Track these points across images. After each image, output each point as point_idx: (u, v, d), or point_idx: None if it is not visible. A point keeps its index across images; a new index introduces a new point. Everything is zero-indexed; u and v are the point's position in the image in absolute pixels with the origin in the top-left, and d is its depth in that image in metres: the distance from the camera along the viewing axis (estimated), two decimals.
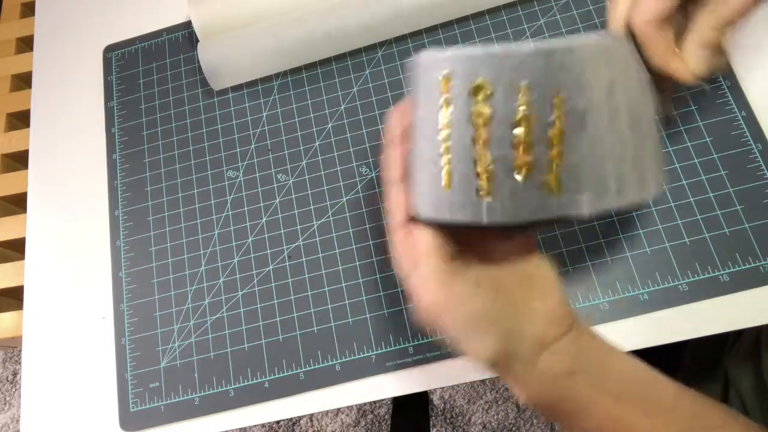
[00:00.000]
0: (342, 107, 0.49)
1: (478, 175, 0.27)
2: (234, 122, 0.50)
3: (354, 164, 0.47)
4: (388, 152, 0.31)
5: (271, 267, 0.45)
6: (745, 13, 0.30)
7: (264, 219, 0.46)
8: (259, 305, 0.44)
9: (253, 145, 0.49)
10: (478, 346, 0.28)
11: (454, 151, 0.27)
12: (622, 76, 0.28)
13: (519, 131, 0.26)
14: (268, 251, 0.45)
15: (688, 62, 0.31)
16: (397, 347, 0.41)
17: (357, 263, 0.43)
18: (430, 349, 0.41)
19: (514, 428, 1.01)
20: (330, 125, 0.48)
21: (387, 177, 0.31)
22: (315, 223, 0.45)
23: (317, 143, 0.48)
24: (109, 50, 0.55)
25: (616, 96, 0.28)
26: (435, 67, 0.27)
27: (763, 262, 0.39)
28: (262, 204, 0.47)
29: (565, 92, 0.26)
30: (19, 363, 1.16)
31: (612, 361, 0.31)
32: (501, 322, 0.29)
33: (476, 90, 0.26)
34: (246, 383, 0.42)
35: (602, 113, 0.27)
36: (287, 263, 0.45)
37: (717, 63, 0.32)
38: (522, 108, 0.26)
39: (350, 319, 0.42)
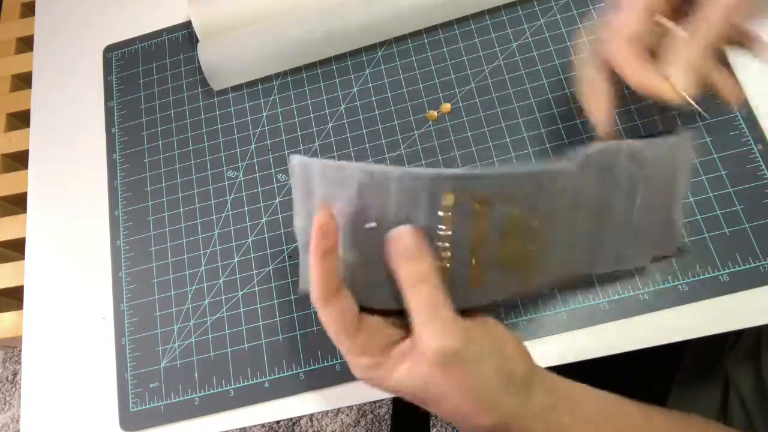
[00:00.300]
0: (342, 107, 0.49)
1: (471, 271, 0.31)
2: (234, 122, 0.50)
3: None
4: (324, 261, 0.29)
5: (271, 267, 0.45)
6: (721, 38, 0.29)
7: (264, 219, 0.46)
8: (259, 305, 0.44)
9: (253, 145, 0.49)
10: (498, 401, 0.28)
11: (456, 255, 0.30)
12: (594, 191, 0.34)
13: (506, 234, 0.31)
14: (268, 251, 0.45)
15: (673, 82, 0.30)
16: None
17: None
18: None
19: None
20: (330, 125, 0.48)
21: (326, 286, 0.29)
22: None
23: (317, 143, 0.48)
24: (109, 50, 0.55)
25: (579, 206, 0.34)
26: (429, 185, 0.29)
27: (763, 262, 0.39)
28: (262, 204, 0.47)
29: (540, 205, 0.32)
30: (19, 363, 1.16)
31: (576, 389, 0.32)
32: (507, 373, 0.29)
33: (482, 204, 0.30)
34: (246, 383, 0.42)
35: (566, 217, 0.34)
36: (287, 263, 0.45)
37: (720, 87, 0.32)
38: (513, 214, 0.31)
39: None
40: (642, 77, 0.30)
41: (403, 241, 0.29)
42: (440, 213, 0.29)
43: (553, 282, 0.36)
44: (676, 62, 0.30)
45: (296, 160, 0.31)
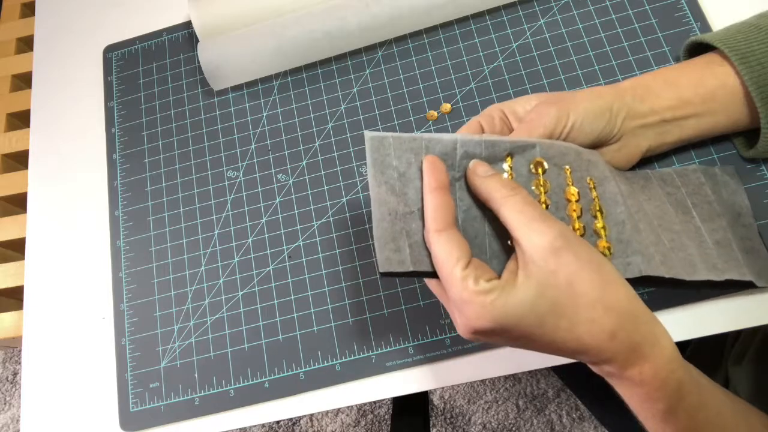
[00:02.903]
0: (342, 107, 0.49)
1: None
2: (234, 122, 0.50)
3: (354, 164, 0.46)
4: (438, 193, 0.31)
5: (271, 267, 0.45)
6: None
7: (264, 219, 0.46)
8: (259, 305, 0.44)
9: (253, 145, 0.49)
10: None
11: None
12: (641, 195, 0.37)
13: (570, 200, 0.33)
14: (268, 251, 0.45)
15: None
16: (397, 347, 0.41)
17: (357, 263, 0.43)
18: (430, 349, 0.41)
19: (514, 428, 1.01)
20: (330, 125, 0.48)
21: (441, 216, 0.30)
22: (315, 223, 0.45)
23: (317, 143, 0.48)
24: (109, 50, 0.55)
25: (634, 201, 0.36)
26: (495, 147, 0.33)
27: None
28: (262, 204, 0.47)
29: (595, 179, 0.34)
30: (19, 363, 1.16)
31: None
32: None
33: (536, 165, 0.33)
34: (246, 383, 0.42)
35: (628, 205, 0.35)
36: (287, 263, 0.45)
37: None
38: (569, 181, 0.34)
39: (350, 320, 0.42)
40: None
41: (480, 165, 0.32)
42: (505, 172, 0.33)
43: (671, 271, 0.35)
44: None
45: (370, 134, 0.32)
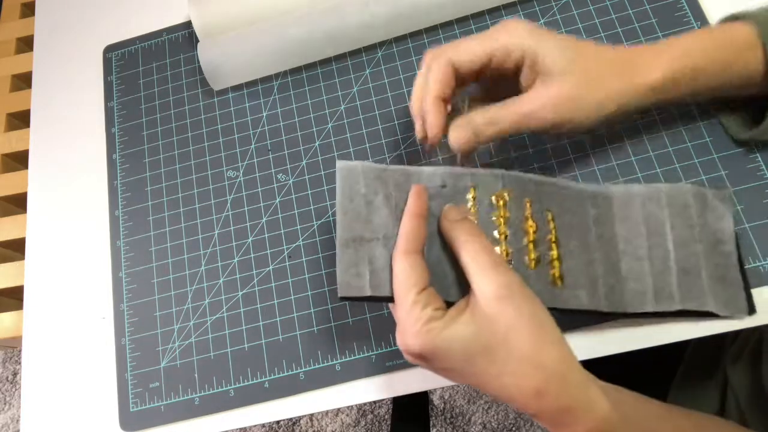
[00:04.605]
0: (342, 107, 0.49)
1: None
2: (234, 122, 0.50)
3: None
4: (414, 219, 0.33)
5: (271, 267, 0.45)
6: (497, 137, 0.35)
7: (264, 219, 0.46)
8: (259, 305, 0.44)
9: (253, 145, 0.49)
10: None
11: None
12: (617, 214, 0.38)
13: (528, 231, 0.35)
14: (268, 251, 0.45)
15: (450, 136, 0.36)
16: (397, 347, 0.41)
17: None
18: None
19: (514, 428, 1.01)
20: (330, 125, 0.48)
21: (412, 240, 0.32)
22: (315, 223, 0.45)
23: (317, 143, 0.48)
24: (109, 50, 0.55)
25: (603, 226, 0.37)
26: (459, 180, 0.35)
27: (762, 262, 0.39)
28: (262, 204, 0.47)
29: (554, 211, 0.36)
30: (19, 363, 1.16)
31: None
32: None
33: (498, 197, 0.35)
34: (246, 383, 0.42)
35: (590, 234, 0.37)
36: (287, 263, 0.45)
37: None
38: (528, 213, 0.35)
39: (350, 319, 0.42)
40: (434, 128, 0.36)
41: (451, 209, 0.34)
42: (468, 203, 0.35)
43: (614, 304, 0.36)
44: (462, 121, 0.36)
45: (341, 164, 0.35)
